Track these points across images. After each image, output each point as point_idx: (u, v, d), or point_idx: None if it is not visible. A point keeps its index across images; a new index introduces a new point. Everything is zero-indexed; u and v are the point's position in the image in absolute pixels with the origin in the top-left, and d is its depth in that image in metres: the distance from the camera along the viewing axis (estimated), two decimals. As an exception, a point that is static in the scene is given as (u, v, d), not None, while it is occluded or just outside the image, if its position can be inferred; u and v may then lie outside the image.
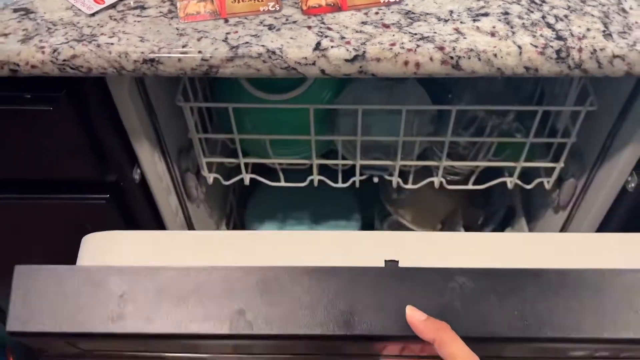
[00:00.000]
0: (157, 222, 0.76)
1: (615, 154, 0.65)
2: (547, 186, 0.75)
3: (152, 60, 0.50)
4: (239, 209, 1.07)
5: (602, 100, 0.64)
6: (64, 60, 0.50)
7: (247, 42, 0.50)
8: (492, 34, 0.50)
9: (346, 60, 0.49)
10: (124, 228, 0.74)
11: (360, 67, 0.49)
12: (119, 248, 0.52)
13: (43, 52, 0.50)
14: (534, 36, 0.49)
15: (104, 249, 0.53)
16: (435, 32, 0.50)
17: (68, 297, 0.42)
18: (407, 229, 0.99)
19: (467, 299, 0.40)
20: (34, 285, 0.42)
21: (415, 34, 0.50)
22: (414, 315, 0.39)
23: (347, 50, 0.49)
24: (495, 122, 0.71)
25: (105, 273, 0.42)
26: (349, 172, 0.77)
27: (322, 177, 0.76)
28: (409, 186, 0.76)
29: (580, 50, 0.48)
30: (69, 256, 0.81)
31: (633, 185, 0.67)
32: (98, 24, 0.52)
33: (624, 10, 0.51)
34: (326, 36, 0.50)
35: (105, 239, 0.53)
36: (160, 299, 0.41)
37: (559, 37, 0.49)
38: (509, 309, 0.40)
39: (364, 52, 0.49)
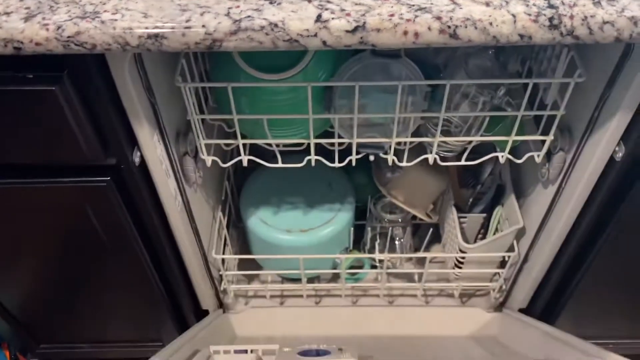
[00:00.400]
0: (156, 206, 0.77)
1: (603, 125, 0.68)
2: (538, 159, 0.77)
3: (156, 35, 0.51)
4: (234, 195, 1.08)
5: (589, 73, 0.67)
6: (69, 37, 0.50)
7: (249, 16, 0.51)
8: (487, 4, 0.51)
9: (347, 31, 0.51)
10: (124, 212, 0.74)
11: (361, 37, 0.51)
12: None
13: (47, 30, 0.50)
14: (527, 5, 0.51)
15: None
16: (432, 3, 0.51)
17: None
18: (400, 209, 1.01)
19: None
20: None
21: (413, 5, 0.51)
22: None
23: (348, 21, 0.50)
24: (486, 97, 0.73)
25: None
26: (344, 153, 0.79)
27: (319, 157, 0.77)
28: (404, 164, 0.78)
29: (571, 17, 0.50)
30: (66, 244, 0.81)
31: (621, 155, 0.69)
32: (100, 2, 0.53)
33: (610, -20, 0.53)
34: (326, 9, 0.51)
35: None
36: None
37: (551, 6, 0.51)
38: None
39: (364, 22, 0.50)
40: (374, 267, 1.09)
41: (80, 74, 0.58)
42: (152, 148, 0.68)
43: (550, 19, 0.50)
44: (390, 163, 0.77)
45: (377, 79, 0.72)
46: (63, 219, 0.75)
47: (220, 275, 1.01)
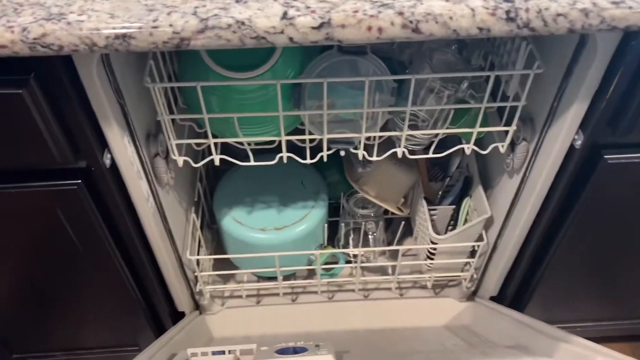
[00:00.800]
0: (128, 209, 0.77)
1: (562, 114, 0.70)
2: (502, 150, 0.79)
3: (124, 35, 0.51)
4: (207, 196, 1.08)
5: (548, 64, 0.69)
6: (35, 38, 0.50)
7: (216, 15, 0.52)
8: (447, -1, 0.53)
9: (313, 28, 0.52)
10: (96, 215, 0.74)
11: (327, 33, 0.52)
12: None
13: (12, 32, 0.50)
14: (485, -1, 0.53)
15: None
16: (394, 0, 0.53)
17: None
18: (373, 204, 1.02)
19: None
20: None
21: (376, 2, 0.53)
22: None
23: (313, 18, 0.52)
24: (450, 91, 0.75)
25: None
26: (315, 150, 0.80)
27: (290, 154, 0.78)
28: (374, 158, 0.79)
29: (527, 10, 0.53)
30: (38, 250, 0.80)
31: (580, 142, 0.72)
32: (66, 3, 0.53)
33: (563, -25, 0.56)
34: (292, 6, 0.52)
35: None
36: None
37: (507, 0, 0.53)
38: None
39: (330, 19, 0.52)
40: (348, 262, 1.11)
41: (47, 76, 0.58)
42: (122, 149, 0.68)
43: (507, 12, 0.52)
44: (360, 158, 0.79)
45: (345, 76, 0.73)
46: (34, 224, 0.74)
47: (196, 277, 1.01)
